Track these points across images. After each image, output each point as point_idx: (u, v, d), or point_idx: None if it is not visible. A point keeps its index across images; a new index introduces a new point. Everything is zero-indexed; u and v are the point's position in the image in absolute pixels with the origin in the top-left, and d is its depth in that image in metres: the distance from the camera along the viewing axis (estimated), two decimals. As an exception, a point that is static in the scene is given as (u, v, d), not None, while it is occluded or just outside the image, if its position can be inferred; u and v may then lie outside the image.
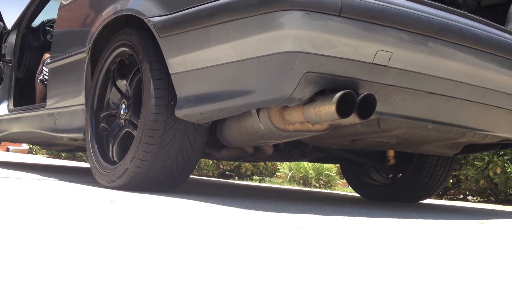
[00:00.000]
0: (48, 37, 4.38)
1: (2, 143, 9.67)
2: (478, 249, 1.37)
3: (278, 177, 7.92)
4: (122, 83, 2.56)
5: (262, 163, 7.16)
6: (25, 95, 4.17)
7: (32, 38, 4.43)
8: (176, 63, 2.12)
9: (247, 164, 6.91)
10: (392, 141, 2.52)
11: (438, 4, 2.01)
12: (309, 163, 7.11)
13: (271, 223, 1.55)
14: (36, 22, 4.46)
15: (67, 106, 2.93)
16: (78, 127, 2.78)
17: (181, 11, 2.09)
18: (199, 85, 2.08)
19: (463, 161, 4.84)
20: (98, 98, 2.65)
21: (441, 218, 2.24)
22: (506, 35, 2.21)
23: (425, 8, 1.95)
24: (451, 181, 5.00)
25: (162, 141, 2.21)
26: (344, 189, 6.26)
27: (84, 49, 2.74)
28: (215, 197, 2.43)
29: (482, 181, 4.72)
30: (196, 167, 5.51)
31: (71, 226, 1.23)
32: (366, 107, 1.82)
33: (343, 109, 1.80)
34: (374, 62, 1.86)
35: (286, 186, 6.21)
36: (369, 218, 1.97)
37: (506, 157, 4.52)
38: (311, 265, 0.98)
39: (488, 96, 2.21)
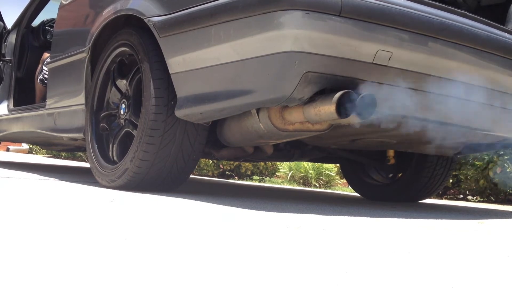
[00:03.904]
0: (48, 37, 4.38)
1: (2, 143, 9.67)
2: (478, 249, 1.37)
3: (278, 177, 7.92)
4: (122, 83, 2.56)
5: (262, 163, 7.16)
6: (25, 95, 4.17)
7: (32, 38, 4.43)
8: (176, 63, 2.12)
9: (247, 164, 6.90)
10: (392, 141, 2.51)
11: (438, 4, 2.01)
12: (309, 163, 7.10)
13: (271, 222, 1.55)
14: (36, 22, 4.46)
15: (67, 106, 2.93)
16: (78, 127, 2.78)
17: (181, 10, 2.09)
18: (199, 85, 2.08)
19: (463, 161, 4.84)
20: (98, 98, 2.65)
21: (441, 218, 2.24)
22: (506, 34, 2.21)
23: (425, 8, 1.95)
24: (451, 180, 5.00)
25: (162, 141, 2.21)
26: (344, 189, 6.25)
27: (84, 48, 2.74)
28: (215, 196, 2.43)
29: (482, 181, 4.72)
30: (196, 167, 5.50)
31: (71, 225, 1.23)
32: (366, 107, 1.82)
33: (343, 109, 1.80)
34: (374, 62, 1.86)
35: (286, 186, 6.21)
36: (369, 218, 1.97)
37: (506, 157, 4.52)
38: (311, 265, 0.98)
39: (488, 95, 2.21)
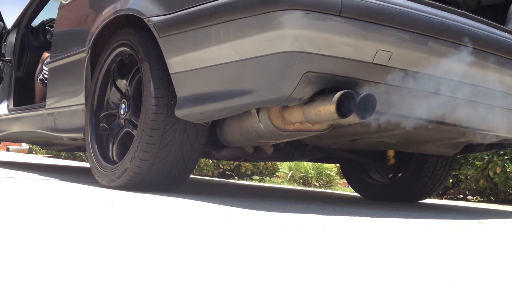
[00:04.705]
0: (48, 37, 4.38)
1: (2, 143, 9.67)
2: (478, 249, 1.37)
3: (278, 177, 7.92)
4: (122, 83, 2.56)
5: (262, 163, 7.16)
6: (25, 95, 4.17)
7: (32, 38, 4.43)
8: (176, 63, 2.12)
9: (247, 163, 6.90)
10: (392, 141, 2.52)
11: (438, 3, 2.01)
12: (309, 162, 7.10)
13: (271, 222, 1.55)
14: (36, 22, 4.46)
15: (67, 105, 2.93)
16: (78, 127, 2.78)
17: (181, 10, 2.09)
18: (199, 85, 2.08)
19: (463, 161, 4.84)
20: (98, 97, 2.65)
21: (441, 218, 2.24)
22: (506, 34, 2.21)
23: (425, 8, 1.95)
24: (451, 180, 5.00)
25: (162, 140, 2.21)
26: (344, 189, 6.25)
27: (84, 48, 2.74)
28: (215, 196, 2.43)
29: (482, 181, 4.72)
30: (196, 166, 5.51)
31: (71, 225, 1.23)
32: (366, 107, 1.82)
33: (343, 109, 1.80)
34: (374, 62, 1.86)
35: (286, 186, 6.21)
36: (369, 218, 1.97)
37: (506, 157, 4.52)
38: (311, 265, 0.98)
39: (488, 95, 2.21)
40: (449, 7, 2.06)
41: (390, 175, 3.52)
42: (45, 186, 2.31)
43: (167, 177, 2.32)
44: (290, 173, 7.36)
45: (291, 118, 1.98)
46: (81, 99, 2.76)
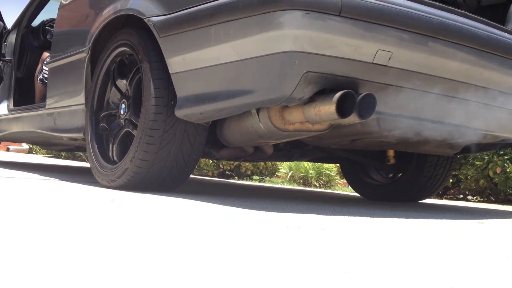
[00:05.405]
0: (48, 37, 4.38)
1: (2, 143, 9.67)
2: (478, 249, 1.37)
3: (278, 177, 7.92)
4: (122, 83, 2.56)
5: (262, 163, 7.16)
6: (25, 95, 4.17)
7: (32, 38, 4.43)
8: (176, 63, 2.12)
9: (247, 163, 6.90)
10: (392, 141, 2.51)
11: (438, 3, 2.01)
12: (309, 162, 7.10)
13: (271, 222, 1.55)
14: (36, 22, 4.46)
15: (67, 105, 2.93)
16: (78, 127, 2.78)
17: (181, 10, 2.09)
18: (199, 85, 2.08)
19: (463, 161, 4.84)
20: (98, 97, 2.65)
21: (441, 218, 2.24)
22: (506, 34, 2.21)
23: (425, 8, 1.95)
24: (451, 180, 5.00)
25: (162, 140, 2.21)
26: (344, 189, 6.25)
27: (84, 48, 2.74)
28: (215, 196, 2.43)
29: (482, 181, 4.72)
30: (196, 166, 5.50)
31: (72, 225, 1.23)
32: (366, 107, 1.82)
33: (343, 109, 1.80)
34: (374, 62, 1.86)
35: (286, 186, 6.21)
36: (369, 218, 1.97)
37: (506, 157, 4.52)
38: (311, 265, 0.98)
39: (488, 95, 2.21)
40: (449, 7, 2.06)
41: (390, 175, 3.52)
42: (45, 186, 2.31)
43: (167, 177, 2.32)
44: (290, 173, 7.36)
45: (291, 118, 1.98)
46: (81, 99, 2.76)
